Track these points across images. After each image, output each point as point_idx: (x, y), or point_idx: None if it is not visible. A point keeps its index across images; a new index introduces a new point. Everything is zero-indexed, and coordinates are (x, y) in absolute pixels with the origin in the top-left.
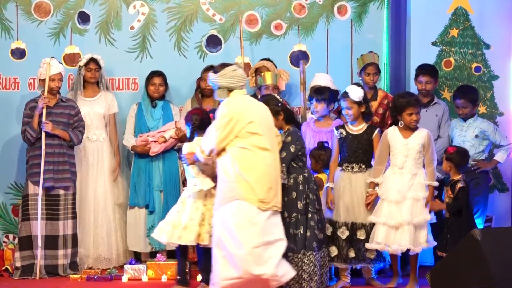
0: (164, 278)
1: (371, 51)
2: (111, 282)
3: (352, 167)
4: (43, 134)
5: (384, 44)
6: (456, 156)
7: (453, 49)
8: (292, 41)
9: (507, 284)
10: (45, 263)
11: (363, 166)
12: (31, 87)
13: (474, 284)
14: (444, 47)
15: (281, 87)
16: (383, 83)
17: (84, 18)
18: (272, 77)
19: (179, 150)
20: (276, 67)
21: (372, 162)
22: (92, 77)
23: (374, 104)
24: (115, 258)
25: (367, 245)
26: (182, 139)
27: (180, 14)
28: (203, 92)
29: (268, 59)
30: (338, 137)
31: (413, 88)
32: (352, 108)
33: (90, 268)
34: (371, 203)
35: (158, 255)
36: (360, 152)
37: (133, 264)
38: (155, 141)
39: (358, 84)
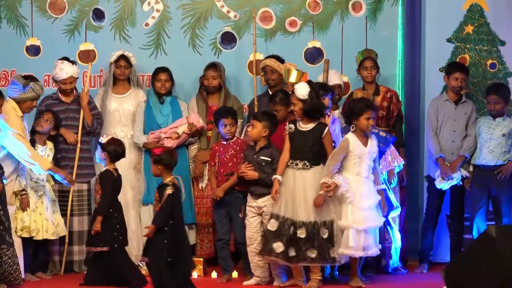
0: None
1: (368, 49)
2: None
3: (297, 164)
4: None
5: (399, 41)
6: (165, 157)
7: (468, 45)
8: (306, 38)
9: None
10: (60, 259)
11: (307, 164)
12: (46, 84)
13: (489, 280)
14: (459, 44)
15: None
16: (398, 80)
17: (98, 15)
18: (297, 76)
19: (189, 145)
20: (282, 62)
21: (320, 160)
22: (121, 74)
23: (377, 99)
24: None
25: (340, 250)
26: (195, 134)
27: (194, 11)
28: (207, 89)
29: (273, 56)
30: (287, 131)
31: (428, 85)
32: (295, 104)
33: None
34: (321, 205)
35: None
36: (306, 149)
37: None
38: (168, 138)
39: (309, 82)
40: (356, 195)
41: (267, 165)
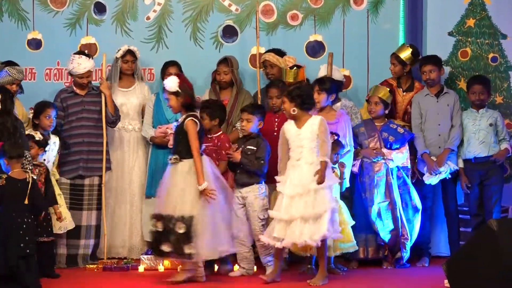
0: (179, 268)
1: (407, 44)
2: (127, 272)
3: (170, 159)
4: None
5: (400, 34)
6: (6, 149)
7: (469, 39)
8: (308, 32)
9: None
10: (67, 253)
11: (178, 157)
12: (47, 78)
13: (490, 274)
14: (460, 37)
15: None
16: None
17: (100, 8)
18: (293, 75)
19: None
20: (283, 55)
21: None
22: (128, 68)
23: (410, 94)
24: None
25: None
26: None
27: (196, 4)
28: (219, 84)
29: (273, 50)
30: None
31: None
32: (170, 100)
33: (125, 258)
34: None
35: None
36: (176, 143)
37: (149, 254)
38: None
39: (177, 75)
40: (284, 180)
41: (252, 154)
